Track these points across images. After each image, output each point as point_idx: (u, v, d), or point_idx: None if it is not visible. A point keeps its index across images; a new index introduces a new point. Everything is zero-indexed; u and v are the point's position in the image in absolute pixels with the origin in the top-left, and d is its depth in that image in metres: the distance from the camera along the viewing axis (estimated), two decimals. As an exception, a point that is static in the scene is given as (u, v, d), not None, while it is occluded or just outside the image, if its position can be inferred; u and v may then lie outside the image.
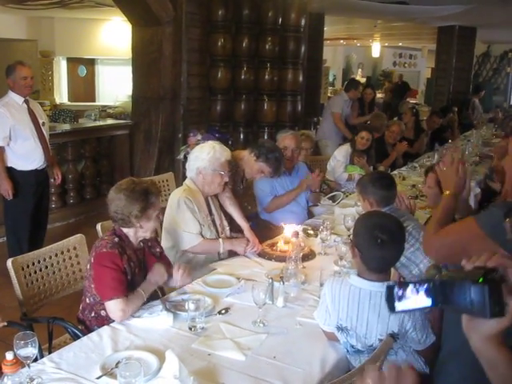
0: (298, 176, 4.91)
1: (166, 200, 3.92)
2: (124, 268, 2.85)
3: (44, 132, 5.22)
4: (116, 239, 2.88)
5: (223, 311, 2.86)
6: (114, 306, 2.73)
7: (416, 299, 1.19)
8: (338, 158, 6.29)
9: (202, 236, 3.66)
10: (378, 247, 2.35)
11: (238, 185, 4.56)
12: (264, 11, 8.10)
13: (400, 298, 1.19)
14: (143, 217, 2.90)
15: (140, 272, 2.99)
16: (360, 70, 22.27)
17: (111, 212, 2.91)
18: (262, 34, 8.16)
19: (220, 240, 3.69)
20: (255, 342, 2.53)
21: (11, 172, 5.06)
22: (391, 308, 1.20)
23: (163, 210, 3.75)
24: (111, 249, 2.82)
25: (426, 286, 1.18)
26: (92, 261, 2.86)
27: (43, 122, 5.23)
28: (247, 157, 4.41)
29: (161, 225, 3.65)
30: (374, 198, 3.45)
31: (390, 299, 1.20)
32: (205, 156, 3.72)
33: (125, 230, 2.95)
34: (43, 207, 5.45)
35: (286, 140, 4.82)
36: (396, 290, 1.19)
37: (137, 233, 2.96)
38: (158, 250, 3.18)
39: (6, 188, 5.00)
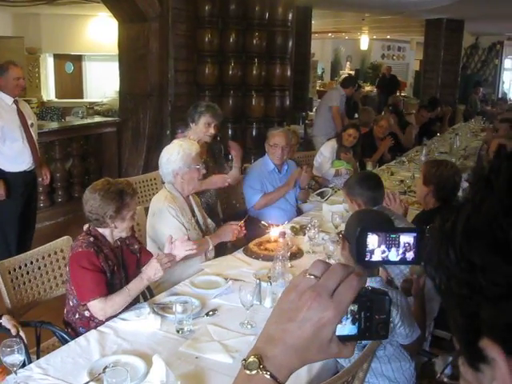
0: (288, 173, 4.92)
1: (150, 200, 3.89)
2: (102, 267, 2.86)
3: (32, 133, 5.17)
4: (91, 238, 2.89)
5: (211, 313, 2.86)
6: (94, 307, 2.78)
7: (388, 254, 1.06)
8: (325, 154, 6.29)
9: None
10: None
11: (223, 163, 4.77)
12: (251, 6, 8.05)
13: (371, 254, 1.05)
14: (118, 217, 2.91)
15: (119, 270, 3.00)
16: (348, 62, 22.26)
17: (86, 212, 2.92)
18: (249, 29, 8.12)
19: (207, 238, 3.65)
20: (243, 344, 2.53)
21: None
22: (359, 259, 1.05)
23: (147, 210, 3.75)
24: (86, 248, 2.84)
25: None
26: (69, 261, 2.88)
27: (31, 123, 5.18)
28: (190, 132, 4.59)
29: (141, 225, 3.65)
30: (361, 199, 3.44)
31: (361, 247, 1.05)
32: (176, 157, 3.66)
33: (100, 229, 2.96)
34: (31, 208, 5.42)
35: (276, 137, 4.82)
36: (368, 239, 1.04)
37: (112, 232, 2.98)
38: (136, 246, 3.19)
39: None
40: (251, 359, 0.82)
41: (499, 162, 0.62)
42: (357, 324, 0.83)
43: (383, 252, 1.03)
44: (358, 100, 11.10)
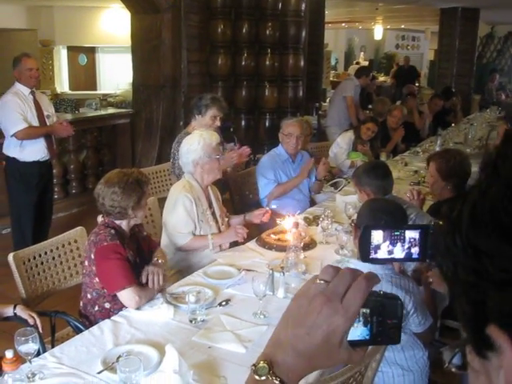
0: (301, 163, 4.92)
1: (167, 190, 3.91)
2: (127, 256, 2.88)
3: (48, 124, 5.24)
4: (112, 231, 2.89)
5: (224, 303, 2.86)
6: (128, 294, 2.77)
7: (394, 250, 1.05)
8: (341, 145, 6.25)
9: (194, 234, 3.61)
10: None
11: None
12: (264, -4, 8.04)
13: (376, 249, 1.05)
14: (138, 207, 2.94)
15: (140, 259, 3.02)
16: (362, 53, 22.14)
17: (106, 206, 2.91)
18: (262, 19, 8.10)
19: (209, 236, 3.59)
20: (256, 334, 2.54)
21: (14, 163, 5.11)
22: (364, 257, 1.07)
23: (161, 201, 3.76)
24: (112, 240, 2.83)
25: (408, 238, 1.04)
26: (93, 257, 2.86)
27: (48, 115, 5.25)
28: (195, 123, 4.64)
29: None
30: (370, 189, 3.42)
31: (365, 245, 1.05)
32: (196, 146, 3.66)
33: (117, 221, 2.96)
34: (47, 199, 5.47)
35: (290, 127, 4.81)
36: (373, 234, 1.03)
37: (129, 222, 2.99)
38: (144, 233, 3.22)
39: (61, 128, 5.20)
40: (261, 364, 0.82)
41: (506, 147, 0.61)
42: (369, 328, 0.83)
43: (388, 247, 1.01)
44: (372, 91, 11.02)
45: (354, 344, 0.82)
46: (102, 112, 8.13)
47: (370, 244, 1.01)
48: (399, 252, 1.02)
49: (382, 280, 2.56)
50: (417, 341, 2.61)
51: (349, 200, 4.36)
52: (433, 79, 15.80)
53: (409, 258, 1.03)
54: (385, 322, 0.83)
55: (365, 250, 1.02)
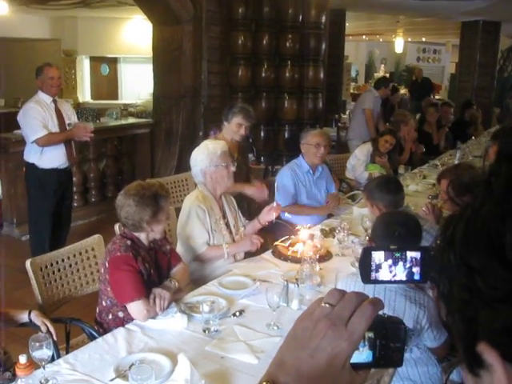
0: (321, 176, 4.91)
1: (182, 200, 3.94)
2: (140, 269, 2.87)
3: None
4: (128, 242, 2.90)
5: (237, 313, 2.86)
6: (137, 307, 2.76)
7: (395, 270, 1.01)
8: (359, 157, 6.23)
9: (208, 244, 3.62)
10: (395, 240, 2.40)
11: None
12: (284, 8, 8.08)
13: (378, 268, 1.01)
14: (154, 221, 2.92)
15: (155, 272, 3.01)
16: (383, 65, 22.10)
17: (121, 218, 2.93)
18: (282, 31, 8.14)
19: (224, 246, 3.61)
20: (269, 345, 2.53)
21: (33, 169, 5.18)
22: (364, 278, 1.01)
23: (178, 210, 3.78)
24: (125, 251, 2.84)
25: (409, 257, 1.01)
26: (107, 265, 2.88)
27: (69, 123, 5.33)
28: (224, 130, 4.75)
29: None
30: (382, 204, 3.43)
31: (366, 266, 1.00)
32: (201, 156, 3.72)
33: (136, 233, 2.97)
34: (66, 206, 5.53)
35: (318, 137, 4.79)
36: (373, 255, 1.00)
37: (148, 235, 2.99)
38: (168, 247, 3.20)
39: (81, 131, 5.31)
40: None
41: (499, 165, 0.61)
42: (372, 352, 0.83)
43: (390, 268, 1.00)
44: (395, 103, 10.94)
45: (357, 367, 0.82)
46: (123, 121, 8.19)
47: (370, 266, 0.99)
48: (401, 272, 1.01)
49: (395, 294, 2.53)
50: (431, 356, 2.58)
51: (366, 212, 4.33)
52: (453, 92, 15.70)
53: (411, 279, 1.02)
54: (388, 346, 0.83)
55: (365, 273, 1.00)
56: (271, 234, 4.11)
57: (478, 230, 0.58)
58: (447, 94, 19.15)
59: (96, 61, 14.05)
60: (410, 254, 1.00)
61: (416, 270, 1.00)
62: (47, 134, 5.06)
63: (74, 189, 6.57)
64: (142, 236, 2.98)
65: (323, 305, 0.83)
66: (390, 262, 0.99)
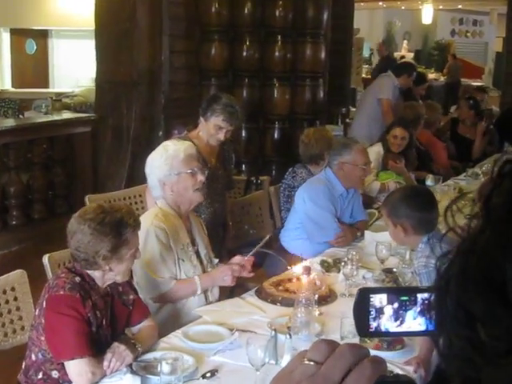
0: (353, 198, 4.94)
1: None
2: (88, 317, 2.85)
3: None
4: (77, 278, 2.88)
5: (208, 374, 2.86)
6: (78, 368, 2.75)
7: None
8: (368, 163, 6.23)
9: (176, 279, 3.59)
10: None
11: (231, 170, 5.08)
12: (272, -35, 8.14)
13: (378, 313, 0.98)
14: (114, 258, 2.90)
15: (108, 326, 3.00)
16: (406, 41, 22.28)
17: (71, 248, 2.93)
18: (269, -4, 8.19)
19: (195, 278, 3.59)
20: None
21: None
22: (361, 329, 1.00)
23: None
24: (70, 291, 2.81)
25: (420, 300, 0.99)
26: (44, 305, 2.86)
27: None
28: (200, 127, 4.76)
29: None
30: (409, 223, 3.38)
31: (362, 314, 0.97)
32: (159, 161, 3.71)
33: (89, 270, 2.95)
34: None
35: (365, 155, 4.81)
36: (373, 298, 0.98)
37: (105, 275, 2.97)
38: (131, 296, 3.16)
39: None
40: None
41: (500, 180, 0.63)
42: None
43: (395, 313, 0.99)
44: (419, 97, 10.96)
45: None
46: (55, 117, 8.18)
47: (368, 314, 0.96)
48: (410, 320, 0.98)
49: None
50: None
51: (381, 238, 4.35)
52: (500, 76, 15.85)
53: (425, 329, 1.00)
54: None
55: (361, 323, 0.97)
56: (260, 269, 4.11)
57: (475, 266, 0.59)
58: (491, 78, 19.32)
59: (19, 34, 14.02)
60: (420, 296, 0.99)
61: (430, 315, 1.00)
62: None
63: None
64: (97, 274, 2.95)
65: (306, 362, 0.79)
66: (396, 305, 0.98)
